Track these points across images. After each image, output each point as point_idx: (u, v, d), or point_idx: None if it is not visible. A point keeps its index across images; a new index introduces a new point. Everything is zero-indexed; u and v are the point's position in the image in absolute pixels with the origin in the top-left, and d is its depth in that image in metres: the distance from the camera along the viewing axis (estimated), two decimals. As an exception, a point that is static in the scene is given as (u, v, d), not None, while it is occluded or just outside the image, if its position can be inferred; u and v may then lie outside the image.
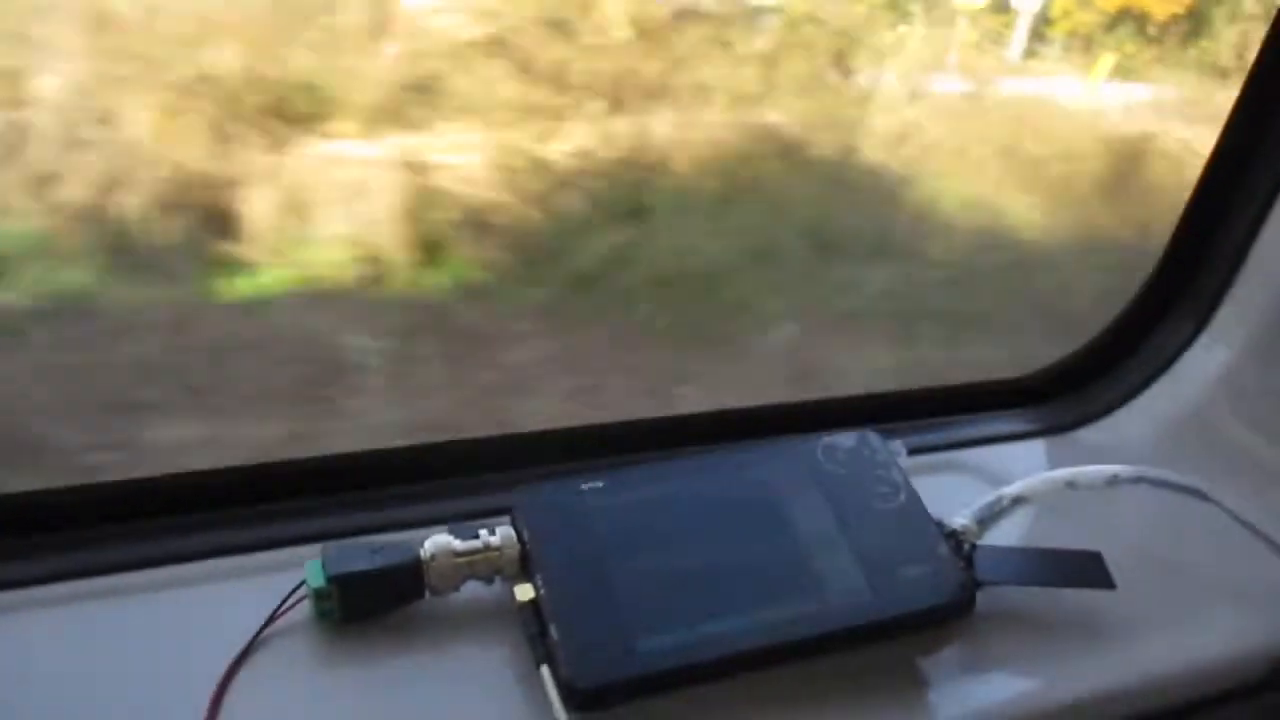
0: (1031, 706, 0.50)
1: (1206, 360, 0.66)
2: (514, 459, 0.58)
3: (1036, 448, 0.65)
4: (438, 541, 0.49)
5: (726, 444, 0.60)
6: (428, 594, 0.50)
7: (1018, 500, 0.57)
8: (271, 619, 0.48)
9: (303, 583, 0.48)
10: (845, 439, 0.57)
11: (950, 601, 0.50)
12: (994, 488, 0.58)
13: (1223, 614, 0.56)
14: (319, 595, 0.47)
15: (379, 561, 0.48)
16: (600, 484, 0.53)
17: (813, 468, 0.55)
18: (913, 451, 0.58)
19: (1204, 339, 0.67)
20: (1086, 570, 0.54)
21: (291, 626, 0.49)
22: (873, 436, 0.57)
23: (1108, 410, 0.66)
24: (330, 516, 0.54)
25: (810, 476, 0.54)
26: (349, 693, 0.46)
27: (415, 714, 0.46)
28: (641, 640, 0.47)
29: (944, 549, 0.52)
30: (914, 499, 0.54)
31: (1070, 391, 0.68)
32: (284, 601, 0.48)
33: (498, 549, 0.50)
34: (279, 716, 0.45)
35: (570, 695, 0.45)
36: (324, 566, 0.48)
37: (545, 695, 0.45)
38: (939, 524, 0.54)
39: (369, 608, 0.49)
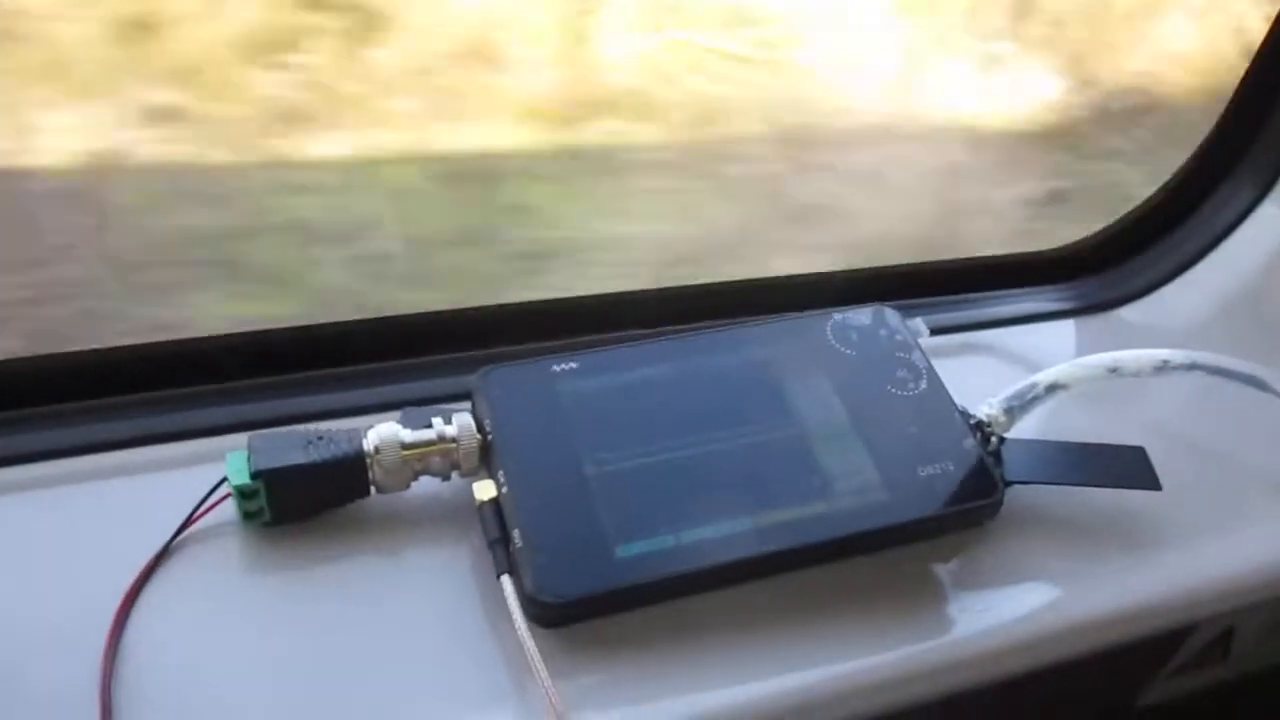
0: (1062, 620, 0.44)
1: (1267, 231, 0.58)
2: (476, 336, 0.50)
3: (1072, 328, 0.58)
4: (384, 431, 0.42)
5: (719, 321, 0.53)
6: (373, 492, 0.43)
7: (1052, 387, 0.50)
8: (188, 521, 0.41)
9: (225, 479, 0.41)
10: (858, 315, 0.49)
11: (976, 504, 0.44)
12: (1025, 373, 0.51)
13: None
14: (242, 494, 0.41)
15: (315, 454, 0.41)
16: (574, 364, 0.45)
17: (821, 348, 0.48)
18: (934, 332, 0.51)
19: (1267, 207, 0.59)
20: (1129, 468, 0.48)
21: (215, 528, 0.42)
22: (890, 313, 0.50)
23: (1153, 286, 0.59)
24: (263, 401, 0.47)
25: (818, 358, 0.47)
26: (276, 604, 0.40)
27: (353, 629, 0.40)
28: (620, 546, 0.40)
29: (971, 444, 0.45)
30: (937, 386, 0.47)
31: (1111, 266, 0.60)
32: (203, 501, 0.41)
33: (454, 440, 0.43)
34: (193, 630, 0.39)
35: (535, 609, 0.39)
36: (249, 460, 0.41)
37: (506, 609, 0.39)
38: (963, 414, 0.47)
39: (304, 507, 0.42)
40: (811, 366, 0.47)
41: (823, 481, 0.43)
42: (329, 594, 0.41)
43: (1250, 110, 0.59)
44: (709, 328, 0.49)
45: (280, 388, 0.47)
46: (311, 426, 0.43)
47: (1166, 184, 0.60)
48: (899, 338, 0.49)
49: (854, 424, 0.45)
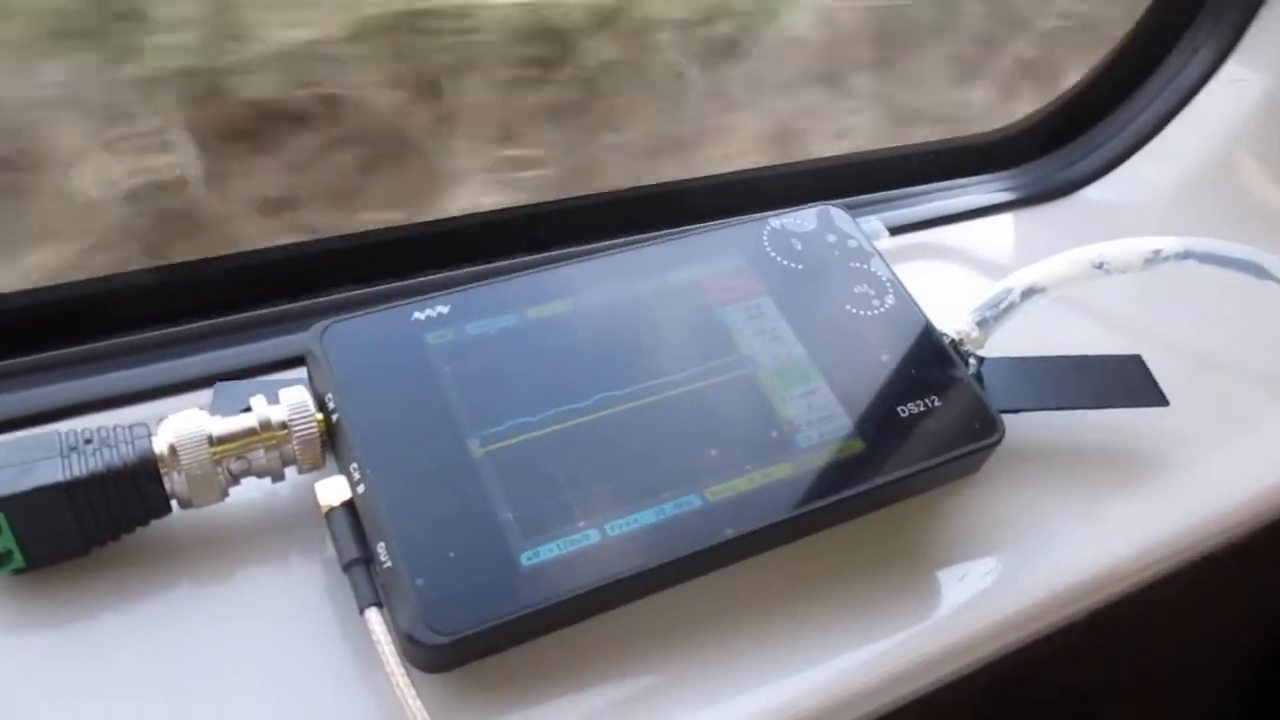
0: (1070, 574, 0.36)
1: (1234, 92, 0.51)
2: (304, 279, 0.38)
3: (1032, 218, 0.49)
4: (182, 423, 0.30)
5: (618, 240, 0.42)
6: (174, 507, 0.31)
7: (1029, 292, 0.41)
8: (-111, 581, 0.29)
9: (-61, 515, 0.28)
10: (800, 218, 0.39)
11: (974, 447, 0.34)
12: (987, 276, 0.43)
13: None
14: (-31, 535, 0.28)
15: (79, 468, 0.29)
16: (444, 308, 0.34)
17: (758, 263, 0.37)
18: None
19: (1231, 65, 0.51)
20: (1128, 382, 0.40)
21: (-59, 582, 0.29)
22: (838, 213, 0.40)
23: (1115, 162, 0.50)
24: (7, 392, 0.33)
25: (756, 277, 0.37)
26: (43, 672, 0.28)
27: (161, 694, 0.28)
28: (525, 553, 0.29)
29: (958, 371, 0.36)
30: (906, 301, 0.38)
31: (1066, 143, 0.51)
32: (-90, 549, 0.29)
33: (284, 425, 0.31)
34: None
35: (416, 651, 0.28)
36: (-23, 484, 0.28)
37: (375, 653, 0.28)
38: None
39: (71, 542, 0.30)
40: (749, 287, 0.37)
41: (783, 435, 0.33)
42: (121, 652, 0.29)
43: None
44: (613, 247, 0.38)
45: (19, 374, 0.33)
46: (75, 425, 0.31)
47: (1118, 47, 0.51)
48: (852, 244, 0.39)
49: (812, 356, 0.35)
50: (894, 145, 0.49)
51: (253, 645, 0.30)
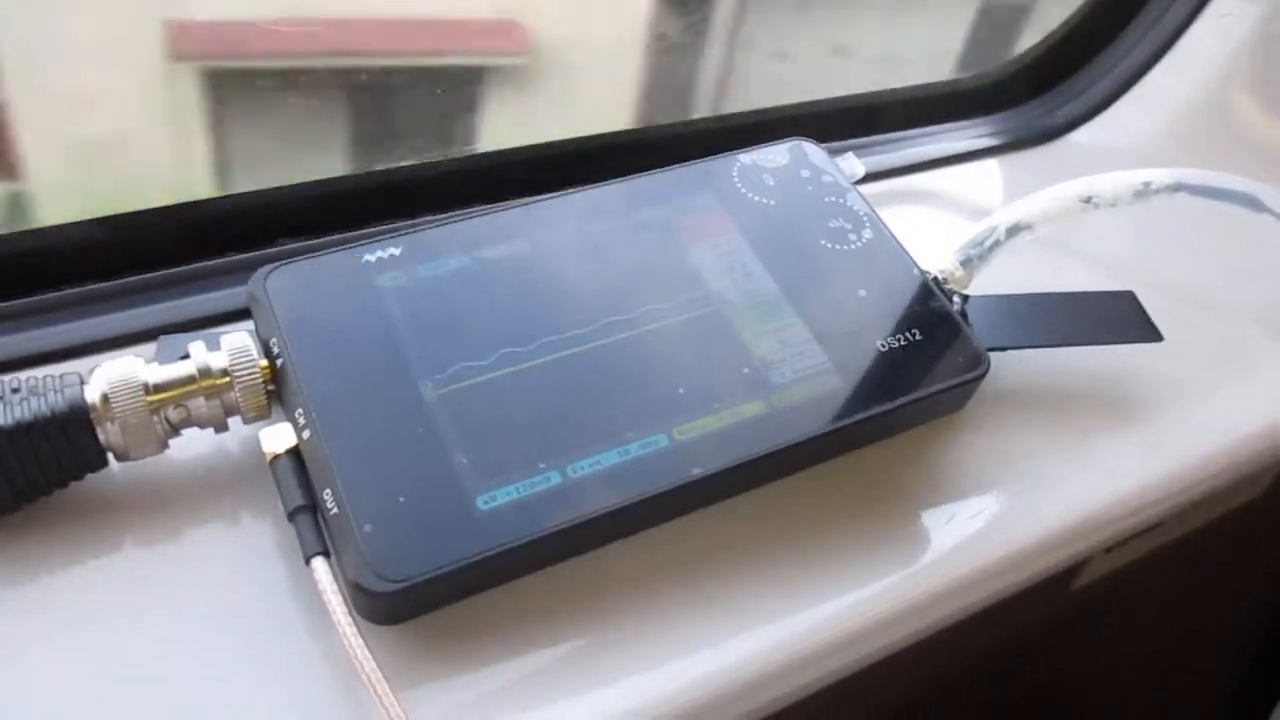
0: (1062, 516, 0.34)
1: (1224, 27, 0.49)
2: (250, 231, 0.36)
3: (1020, 162, 0.47)
4: (115, 370, 0.29)
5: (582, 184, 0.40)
6: (111, 461, 0.29)
7: (1014, 229, 0.40)
8: None
9: None
10: (772, 154, 0.37)
11: (957, 382, 0.33)
12: (974, 220, 0.41)
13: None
14: (-116, 486, 0.26)
15: (5, 416, 0.27)
16: (396, 250, 0.32)
17: (729, 199, 0.36)
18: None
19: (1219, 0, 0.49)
20: (1120, 318, 0.38)
21: None
22: (811, 148, 0.38)
23: (1103, 104, 0.49)
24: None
25: (727, 212, 0.35)
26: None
27: (102, 657, 0.26)
28: (482, 496, 0.28)
29: (939, 304, 0.34)
30: (884, 235, 0.36)
31: (1054, 86, 0.50)
32: None
33: (226, 371, 0.29)
34: None
35: (365, 601, 0.27)
36: (-105, 434, 0.26)
37: (321, 604, 0.26)
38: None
39: (0, 497, 0.28)
40: (720, 224, 0.35)
41: (755, 372, 0.31)
42: (57, 613, 0.27)
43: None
44: (576, 190, 0.36)
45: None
46: (4, 377, 0.29)
47: (1102, -15, 0.50)
48: (827, 179, 0.37)
49: (786, 293, 0.33)
50: (877, 90, 0.48)
51: (197, 603, 0.28)
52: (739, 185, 0.36)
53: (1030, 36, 0.52)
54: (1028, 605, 0.37)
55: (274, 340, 0.30)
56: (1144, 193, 0.40)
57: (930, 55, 0.69)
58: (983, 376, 0.33)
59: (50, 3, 0.49)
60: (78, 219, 0.35)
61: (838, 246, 0.35)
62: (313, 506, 0.28)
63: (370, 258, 0.32)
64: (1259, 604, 0.65)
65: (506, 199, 0.38)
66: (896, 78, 0.49)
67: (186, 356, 0.30)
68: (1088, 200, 0.40)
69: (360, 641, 0.26)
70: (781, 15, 0.81)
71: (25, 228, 0.34)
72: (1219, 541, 0.49)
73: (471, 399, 0.29)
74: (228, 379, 0.29)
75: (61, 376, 0.29)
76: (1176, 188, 0.41)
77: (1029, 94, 0.49)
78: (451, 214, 0.37)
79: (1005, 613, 0.36)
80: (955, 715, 0.55)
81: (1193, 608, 0.59)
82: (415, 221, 0.38)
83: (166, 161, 0.52)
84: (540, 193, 0.35)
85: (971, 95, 0.49)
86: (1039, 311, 0.38)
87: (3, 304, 0.33)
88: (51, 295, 0.34)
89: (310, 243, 0.37)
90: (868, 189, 0.43)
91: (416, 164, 0.39)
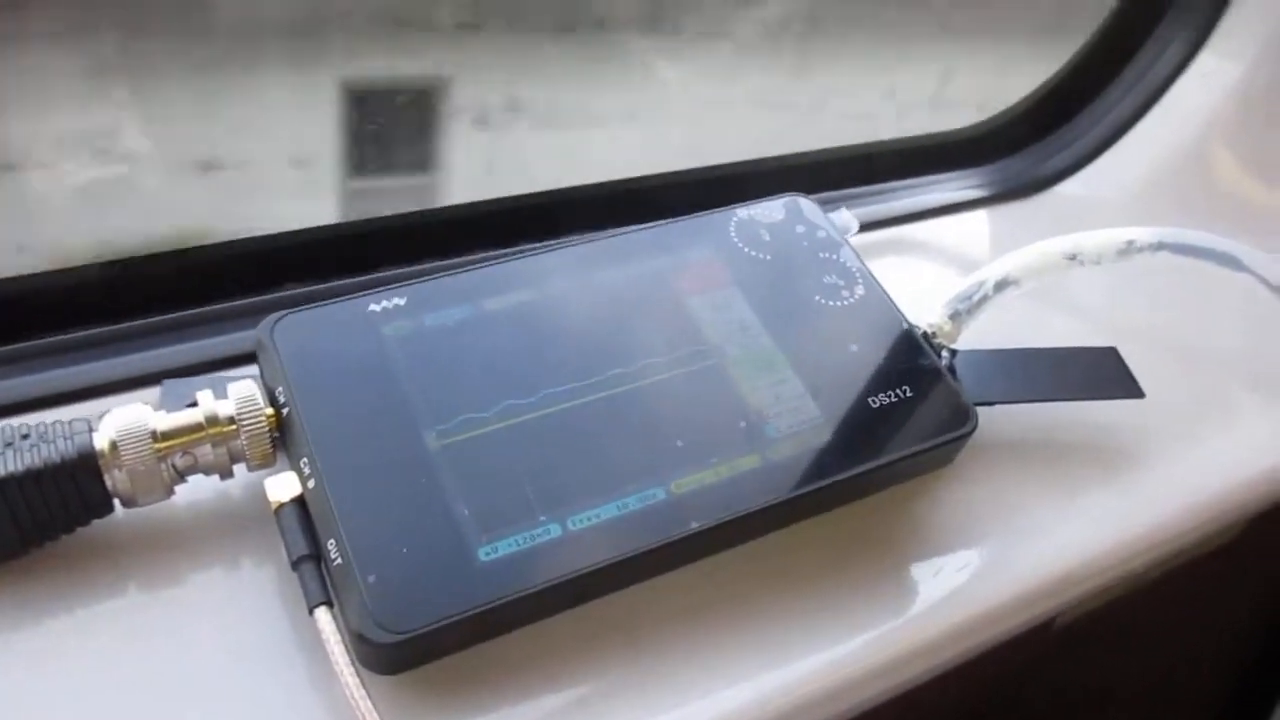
0: (1047, 568, 0.35)
1: (1208, 83, 0.50)
2: (258, 276, 0.37)
3: (1007, 214, 0.49)
4: (124, 418, 0.29)
5: (580, 235, 0.41)
6: (117, 507, 0.30)
7: (1002, 284, 0.41)
8: None
9: None
10: (768, 209, 0.38)
11: (947, 438, 0.34)
12: (961, 271, 0.42)
13: (1274, 415, 0.42)
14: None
15: (14, 463, 0.28)
16: (400, 300, 0.33)
17: (725, 254, 0.37)
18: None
19: (1205, 57, 0.51)
20: (1103, 374, 0.39)
21: None
22: (806, 204, 0.39)
23: (1089, 158, 0.50)
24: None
25: (723, 267, 0.36)
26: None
27: (92, 709, 0.27)
28: (483, 548, 0.28)
29: (929, 361, 0.35)
30: (876, 292, 0.37)
31: (1040, 138, 0.51)
32: None
33: (232, 419, 0.30)
34: None
35: (368, 651, 0.27)
36: (-94, 481, 0.27)
37: (324, 653, 0.27)
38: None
39: (8, 542, 0.29)
40: (715, 277, 0.36)
41: (751, 425, 0.32)
42: (61, 658, 0.28)
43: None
44: (576, 241, 0.37)
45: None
46: (13, 422, 0.29)
47: (1090, 40, 0.51)
48: (821, 235, 0.38)
49: (780, 347, 0.34)
50: (867, 141, 0.49)
51: (200, 650, 0.28)
52: (736, 240, 0.37)
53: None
54: (1013, 648, 0.38)
55: (280, 389, 0.31)
56: (1127, 251, 0.42)
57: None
58: (970, 433, 0.34)
59: None
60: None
61: (831, 302, 0.36)
62: (316, 556, 0.28)
63: (376, 307, 0.33)
64: (1244, 632, 0.66)
65: (500, 247, 0.39)
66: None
67: (193, 404, 0.30)
68: (1073, 257, 0.41)
69: (363, 692, 0.26)
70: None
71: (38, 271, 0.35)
72: (1201, 576, 0.50)
73: (474, 450, 0.30)
74: (234, 427, 0.30)
75: (71, 423, 0.29)
76: (1159, 246, 0.42)
77: (1017, 146, 0.50)
78: (453, 262, 0.38)
79: (991, 659, 0.37)
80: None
81: (1177, 638, 0.59)
82: (417, 268, 0.39)
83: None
84: (534, 240, 0.36)
85: (960, 147, 0.50)
86: (1025, 367, 0.39)
87: (12, 346, 0.33)
88: (61, 338, 0.34)
89: (313, 288, 0.37)
90: (859, 239, 0.44)
91: (415, 211, 0.40)
